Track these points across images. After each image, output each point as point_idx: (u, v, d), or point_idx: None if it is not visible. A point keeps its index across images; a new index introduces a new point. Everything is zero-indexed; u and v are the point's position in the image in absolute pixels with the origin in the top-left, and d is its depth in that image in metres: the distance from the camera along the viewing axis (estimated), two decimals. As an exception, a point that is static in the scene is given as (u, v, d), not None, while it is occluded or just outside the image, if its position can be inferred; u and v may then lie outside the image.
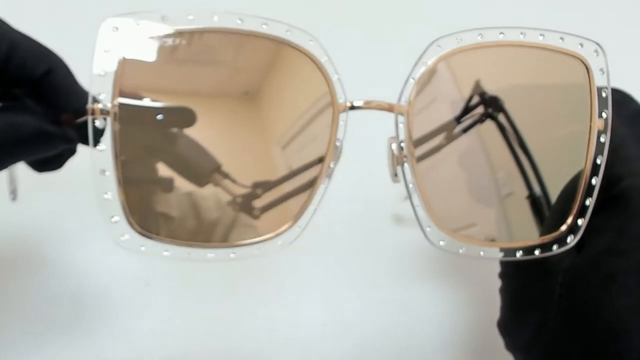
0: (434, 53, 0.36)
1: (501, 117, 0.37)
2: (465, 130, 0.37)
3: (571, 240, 0.37)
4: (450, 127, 0.37)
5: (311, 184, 0.36)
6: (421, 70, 0.36)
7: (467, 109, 0.37)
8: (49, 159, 0.37)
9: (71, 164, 0.38)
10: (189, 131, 0.34)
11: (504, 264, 0.40)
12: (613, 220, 0.36)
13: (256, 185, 0.36)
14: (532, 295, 0.38)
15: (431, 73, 0.36)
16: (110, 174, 0.33)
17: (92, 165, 0.33)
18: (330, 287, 0.48)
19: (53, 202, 0.49)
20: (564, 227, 0.37)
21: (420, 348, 0.46)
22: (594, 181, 0.37)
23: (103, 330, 0.45)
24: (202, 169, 0.35)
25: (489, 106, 0.37)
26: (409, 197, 0.36)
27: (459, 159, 0.37)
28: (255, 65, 0.35)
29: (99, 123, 0.33)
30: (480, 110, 0.37)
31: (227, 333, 0.46)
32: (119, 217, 0.34)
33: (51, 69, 0.34)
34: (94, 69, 0.33)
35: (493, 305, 0.40)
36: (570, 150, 0.38)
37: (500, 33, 0.37)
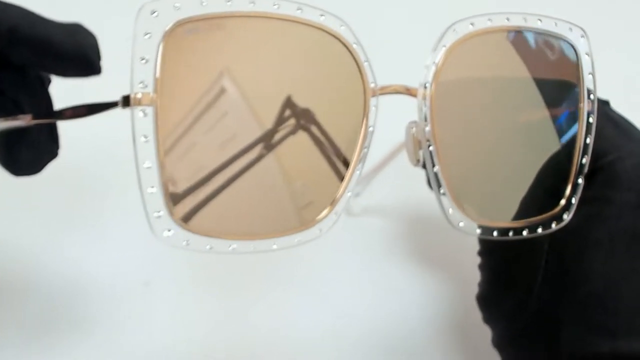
0: (451, 37, 0.36)
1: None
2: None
3: (567, 217, 0.38)
4: (469, 110, 0.37)
5: (345, 170, 0.35)
6: (440, 53, 0.36)
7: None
8: (26, 161, 0.35)
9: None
10: (236, 117, 0.33)
11: (485, 241, 0.41)
12: (599, 191, 0.38)
13: (295, 173, 0.34)
14: (517, 265, 0.39)
15: (449, 56, 0.36)
16: (154, 167, 0.31)
17: (135, 157, 0.31)
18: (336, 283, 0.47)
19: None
20: (562, 204, 0.39)
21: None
22: (584, 160, 0.38)
23: (104, 331, 0.43)
24: (248, 159, 0.33)
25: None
26: (435, 180, 0.36)
27: (479, 141, 0.37)
28: (293, 50, 0.34)
29: (141, 113, 0.31)
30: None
31: (227, 331, 0.45)
32: (162, 212, 0.32)
33: (15, 24, 0.32)
34: (135, 56, 0.31)
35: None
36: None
37: (506, 19, 0.38)
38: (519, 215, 0.38)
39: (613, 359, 0.35)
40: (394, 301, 0.47)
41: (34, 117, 0.35)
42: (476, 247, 0.42)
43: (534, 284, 0.38)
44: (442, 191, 0.36)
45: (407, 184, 0.45)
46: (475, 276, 0.42)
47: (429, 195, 0.38)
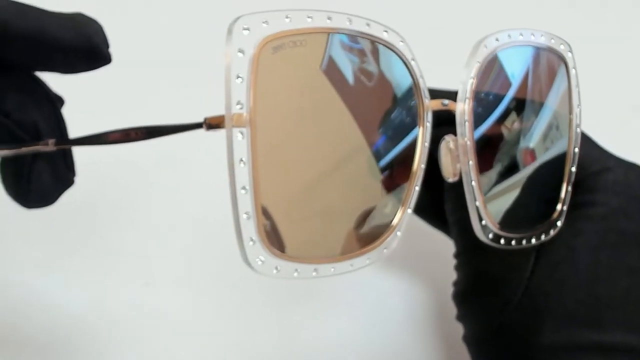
0: (483, 53, 0.36)
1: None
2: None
3: (560, 224, 0.40)
4: (505, 124, 0.37)
5: (405, 188, 0.34)
6: (475, 67, 0.36)
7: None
8: (41, 191, 0.32)
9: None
10: (335, 139, 0.31)
11: (467, 240, 0.41)
12: (587, 196, 0.40)
13: (364, 193, 0.33)
14: (503, 263, 0.40)
15: (483, 70, 0.36)
16: (249, 191, 0.29)
17: (231, 181, 0.29)
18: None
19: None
20: (556, 213, 0.40)
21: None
22: (573, 169, 0.40)
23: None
24: (337, 179, 0.32)
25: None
26: (470, 194, 0.36)
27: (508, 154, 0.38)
28: (363, 65, 0.33)
29: (240, 135, 0.28)
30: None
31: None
32: (255, 239, 0.29)
33: (6, 19, 0.28)
34: (232, 74, 0.28)
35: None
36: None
37: (520, 34, 0.38)
38: (511, 224, 0.39)
39: (596, 349, 0.36)
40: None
41: (58, 143, 0.31)
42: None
43: (521, 281, 0.39)
44: (477, 204, 0.36)
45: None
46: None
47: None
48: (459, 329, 0.42)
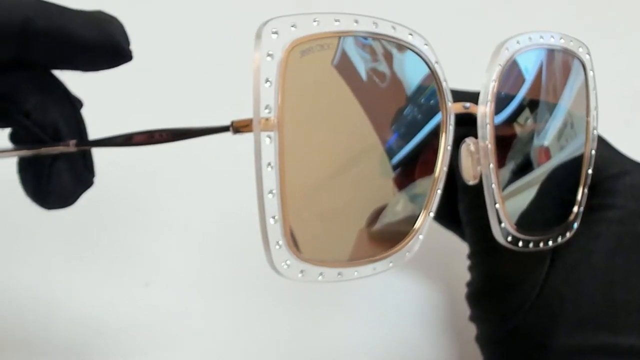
0: (504, 55, 0.36)
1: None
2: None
3: (576, 226, 0.39)
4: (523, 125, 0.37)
5: (427, 190, 0.34)
6: (497, 70, 0.35)
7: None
8: (60, 192, 0.31)
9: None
10: (355, 140, 0.31)
11: (481, 241, 0.41)
12: (603, 199, 0.39)
13: (384, 196, 0.33)
14: (519, 264, 0.40)
15: (505, 72, 0.35)
16: (276, 195, 0.28)
17: (258, 185, 0.28)
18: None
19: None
20: (572, 216, 0.40)
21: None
22: (589, 171, 0.40)
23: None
24: (365, 183, 0.31)
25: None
26: (489, 197, 0.35)
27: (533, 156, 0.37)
28: (388, 69, 0.32)
29: (268, 139, 0.28)
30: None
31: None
32: (281, 242, 0.29)
33: (28, 16, 0.28)
34: (260, 77, 0.28)
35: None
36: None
37: (540, 37, 0.38)
38: (528, 226, 0.38)
39: (611, 353, 0.36)
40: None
41: (79, 144, 0.30)
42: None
43: (536, 283, 0.38)
44: (497, 206, 0.35)
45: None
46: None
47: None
48: (471, 329, 0.41)
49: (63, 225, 0.42)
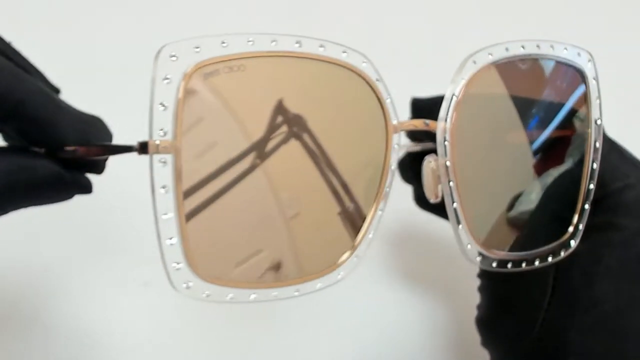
0: (470, 69, 0.33)
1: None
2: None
3: (574, 244, 0.36)
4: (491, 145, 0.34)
5: (367, 211, 0.32)
6: (460, 86, 0.32)
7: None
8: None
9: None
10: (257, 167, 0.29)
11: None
12: (608, 218, 0.36)
13: (315, 214, 0.31)
14: (522, 290, 0.37)
15: (469, 88, 0.33)
16: (173, 217, 0.27)
17: (154, 208, 0.27)
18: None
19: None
20: (570, 231, 0.36)
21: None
22: (591, 186, 0.36)
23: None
24: (270, 206, 0.30)
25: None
26: (454, 216, 0.33)
27: (494, 174, 0.35)
28: (318, 88, 0.30)
29: (160, 163, 0.27)
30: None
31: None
32: (182, 264, 0.28)
33: (22, 99, 0.27)
34: (155, 102, 0.27)
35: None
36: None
37: (521, 46, 0.34)
38: (526, 243, 0.36)
39: None
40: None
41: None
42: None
43: (539, 309, 0.35)
44: (460, 227, 0.33)
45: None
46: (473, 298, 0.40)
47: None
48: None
49: (63, 225, 0.42)
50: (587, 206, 0.36)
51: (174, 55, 0.27)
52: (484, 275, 0.39)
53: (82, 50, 0.51)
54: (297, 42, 0.30)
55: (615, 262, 0.35)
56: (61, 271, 0.43)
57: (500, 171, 0.35)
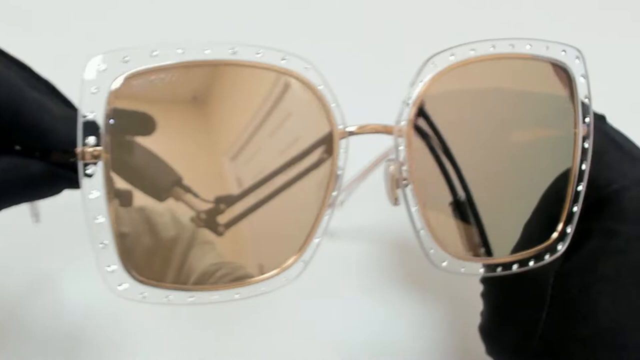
0: (429, 71, 0.32)
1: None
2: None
3: (561, 248, 0.35)
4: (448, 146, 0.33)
5: (313, 216, 0.32)
6: (418, 89, 0.32)
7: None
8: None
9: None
10: (192, 179, 0.30)
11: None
12: (605, 223, 0.34)
13: (259, 220, 0.31)
14: (520, 299, 0.36)
15: (427, 91, 0.32)
16: (105, 221, 0.28)
17: (85, 213, 0.28)
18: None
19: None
20: (554, 236, 0.35)
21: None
22: (579, 187, 0.34)
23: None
24: (201, 214, 0.30)
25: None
26: (412, 220, 0.32)
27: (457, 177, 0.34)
28: (252, 96, 0.30)
29: (90, 169, 0.28)
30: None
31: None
32: (115, 266, 0.29)
33: (16, 111, 0.28)
34: (82, 111, 0.28)
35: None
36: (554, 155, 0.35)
37: (492, 46, 0.33)
38: (517, 246, 0.35)
39: None
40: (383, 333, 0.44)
41: None
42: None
43: (538, 318, 0.35)
44: (421, 231, 0.32)
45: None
46: (472, 304, 0.39)
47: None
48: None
49: (62, 225, 0.44)
50: (575, 208, 0.35)
51: (102, 66, 0.28)
52: (486, 280, 0.38)
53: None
54: (231, 49, 0.30)
55: (612, 271, 0.33)
56: (60, 269, 0.45)
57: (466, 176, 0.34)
